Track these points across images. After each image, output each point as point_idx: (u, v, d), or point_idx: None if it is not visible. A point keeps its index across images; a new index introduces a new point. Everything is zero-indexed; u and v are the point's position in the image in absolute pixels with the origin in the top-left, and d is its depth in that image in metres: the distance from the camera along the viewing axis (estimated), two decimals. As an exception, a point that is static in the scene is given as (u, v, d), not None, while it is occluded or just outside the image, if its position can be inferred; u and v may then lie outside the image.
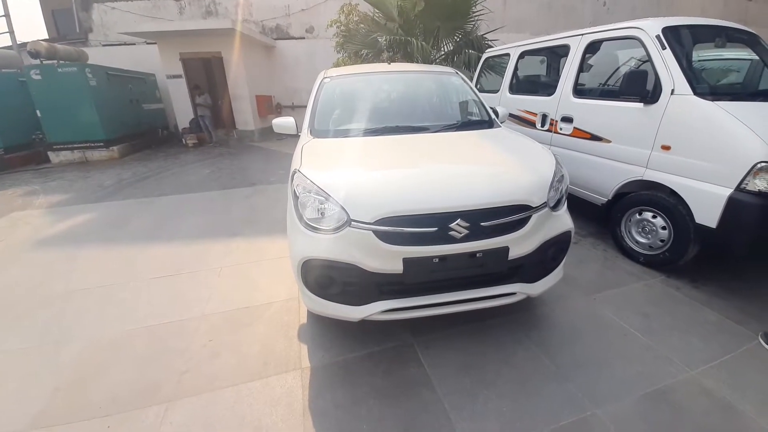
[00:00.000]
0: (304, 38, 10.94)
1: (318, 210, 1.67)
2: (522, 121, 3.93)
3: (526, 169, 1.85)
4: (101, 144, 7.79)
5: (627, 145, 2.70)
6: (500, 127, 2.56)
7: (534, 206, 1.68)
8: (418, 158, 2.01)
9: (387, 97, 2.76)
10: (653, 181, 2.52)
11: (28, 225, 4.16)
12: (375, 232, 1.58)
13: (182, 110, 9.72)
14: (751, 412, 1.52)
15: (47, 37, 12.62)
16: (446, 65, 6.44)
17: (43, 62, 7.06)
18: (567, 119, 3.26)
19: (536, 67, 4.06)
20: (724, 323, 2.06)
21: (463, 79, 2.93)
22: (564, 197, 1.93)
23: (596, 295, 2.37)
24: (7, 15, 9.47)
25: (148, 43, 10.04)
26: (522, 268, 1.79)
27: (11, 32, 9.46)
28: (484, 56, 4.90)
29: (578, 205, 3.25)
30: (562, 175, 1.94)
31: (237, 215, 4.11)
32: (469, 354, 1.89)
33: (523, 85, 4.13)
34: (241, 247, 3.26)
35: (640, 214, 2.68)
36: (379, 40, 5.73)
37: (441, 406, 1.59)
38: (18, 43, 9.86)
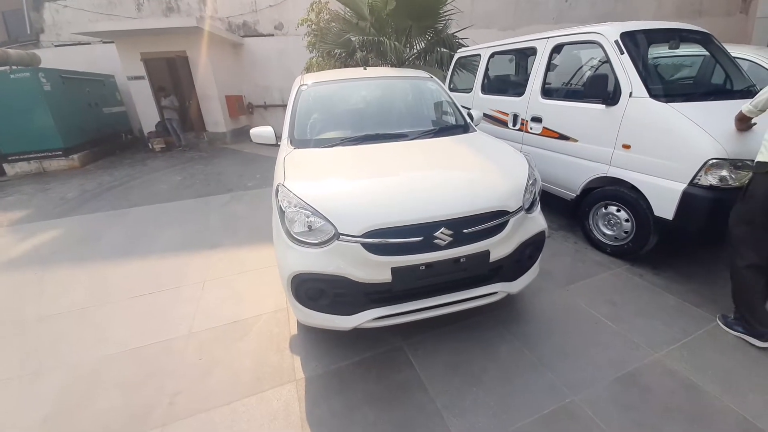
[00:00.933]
0: (273, 35, 10.65)
1: (305, 224, 1.70)
2: (495, 120, 4.07)
3: (502, 174, 1.95)
4: (59, 152, 7.32)
5: (592, 144, 2.88)
6: (475, 131, 2.66)
7: (511, 211, 1.79)
8: (399, 167, 2.07)
9: (365, 104, 2.79)
10: (616, 178, 2.71)
11: (-13, 246, 3.89)
12: (363, 245, 1.63)
13: (147, 113, 9.26)
14: (714, 390, 1.70)
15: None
16: (419, 64, 6.52)
17: (-9, 67, 6.50)
18: (536, 119, 3.42)
19: (506, 67, 4.21)
20: (683, 307, 2.27)
21: (438, 84, 3.01)
22: (537, 199, 2.05)
23: (569, 287, 2.53)
24: None
25: (104, 42, 9.46)
26: (502, 268, 1.90)
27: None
28: (456, 56, 5.00)
29: (550, 201, 3.43)
30: (535, 179, 2.06)
31: (215, 225, 4.02)
32: (457, 353, 1.99)
33: (494, 85, 4.27)
34: (222, 259, 3.21)
35: (605, 208, 2.88)
36: (352, 39, 5.70)
37: (434, 407, 1.68)
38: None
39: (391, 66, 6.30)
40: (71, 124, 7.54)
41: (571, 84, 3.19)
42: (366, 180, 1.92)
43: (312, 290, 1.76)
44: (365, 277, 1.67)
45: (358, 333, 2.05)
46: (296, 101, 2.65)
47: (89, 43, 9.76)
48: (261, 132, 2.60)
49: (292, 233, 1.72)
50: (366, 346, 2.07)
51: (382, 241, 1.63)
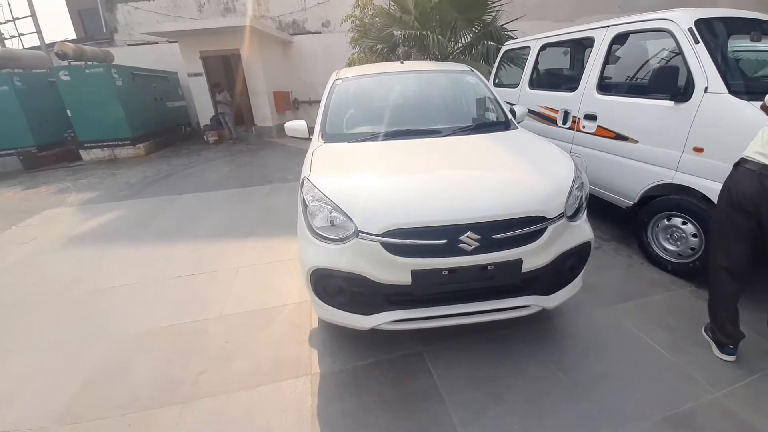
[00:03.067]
0: (320, 32, 10.91)
1: (327, 219, 1.67)
2: (542, 117, 3.78)
3: (542, 176, 1.77)
4: (128, 142, 8.11)
5: (655, 146, 2.54)
6: (517, 128, 2.46)
7: (550, 217, 1.61)
8: (429, 165, 1.97)
9: (399, 99, 2.70)
10: (684, 185, 2.37)
11: (61, 222, 4.40)
12: (383, 244, 1.56)
13: (203, 107, 9.95)
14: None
15: (75, 36, 13.19)
16: (464, 59, 6.27)
17: (71, 63, 7.37)
18: (590, 117, 3.10)
19: (558, 60, 3.88)
20: (754, 339, 1.93)
21: (478, 77, 2.83)
22: (583, 206, 1.84)
23: (618, 306, 2.26)
24: (33, 15, 9.90)
25: (170, 42, 10.29)
26: (537, 280, 1.73)
27: (39, 32, 9.89)
28: (504, 49, 4.72)
29: (601, 208, 3.12)
30: (582, 183, 1.85)
31: (253, 214, 4.20)
32: (481, 366, 1.85)
33: (544, 80, 3.95)
34: (256, 247, 3.33)
35: (669, 219, 2.53)
36: (395, 34, 5.62)
37: (449, 420, 1.57)
38: (46, 43, 10.30)
39: (434, 60, 6.14)
40: (139, 116, 8.31)
41: (634, 78, 2.84)
42: (391, 177, 1.84)
43: (330, 287, 1.73)
44: (384, 278, 1.60)
45: (377, 334, 1.98)
46: (330, 95, 2.63)
47: (157, 43, 10.68)
48: (295, 126, 2.63)
49: (313, 227, 1.70)
50: (385, 348, 2.01)
51: (402, 241, 1.55)
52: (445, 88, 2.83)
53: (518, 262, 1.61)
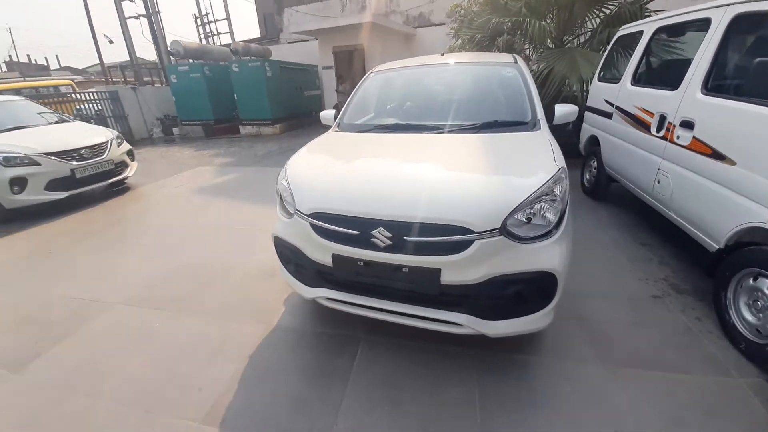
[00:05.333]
0: (444, 24, 10.84)
1: (284, 196, 1.90)
2: (636, 122, 2.98)
3: (492, 186, 1.55)
4: (269, 122, 10.13)
5: (755, 171, 1.75)
6: (539, 129, 2.10)
7: (477, 231, 1.42)
8: (398, 159, 1.95)
9: (421, 92, 2.63)
10: (784, 234, 1.59)
11: (202, 176, 6.01)
12: (311, 225, 1.70)
13: (330, 96, 11.42)
14: None
15: (258, 36, 16.86)
16: (581, 47, 5.31)
17: (241, 58, 9.60)
18: (687, 124, 2.31)
19: (674, 49, 2.93)
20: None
21: (519, 70, 2.48)
22: (553, 231, 1.51)
23: (625, 370, 1.75)
24: (228, 19, 13.19)
25: (315, 39, 12.11)
26: (469, 298, 1.56)
27: (231, 32, 13.14)
28: (618, 34, 3.82)
29: (695, 247, 2.32)
30: (556, 198, 1.51)
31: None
32: (403, 371, 1.79)
33: (649, 74, 3.07)
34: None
35: (755, 279, 1.74)
36: (493, 21, 5.20)
37: (335, 403, 1.63)
38: (235, 41, 13.60)
39: (541, 50, 5.42)
40: (279, 101, 10.22)
41: (758, 77, 1.96)
42: (349, 166, 1.92)
43: (283, 255, 1.98)
44: (313, 256, 1.74)
45: (338, 310, 2.12)
46: (359, 87, 2.79)
47: (307, 40, 12.70)
48: (326, 114, 2.91)
49: (280, 203, 1.97)
50: (338, 324, 2.14)
51: (324, 225, 1.65)
52: (474, 82, 2.59)
53: (436, 272, 1.49)
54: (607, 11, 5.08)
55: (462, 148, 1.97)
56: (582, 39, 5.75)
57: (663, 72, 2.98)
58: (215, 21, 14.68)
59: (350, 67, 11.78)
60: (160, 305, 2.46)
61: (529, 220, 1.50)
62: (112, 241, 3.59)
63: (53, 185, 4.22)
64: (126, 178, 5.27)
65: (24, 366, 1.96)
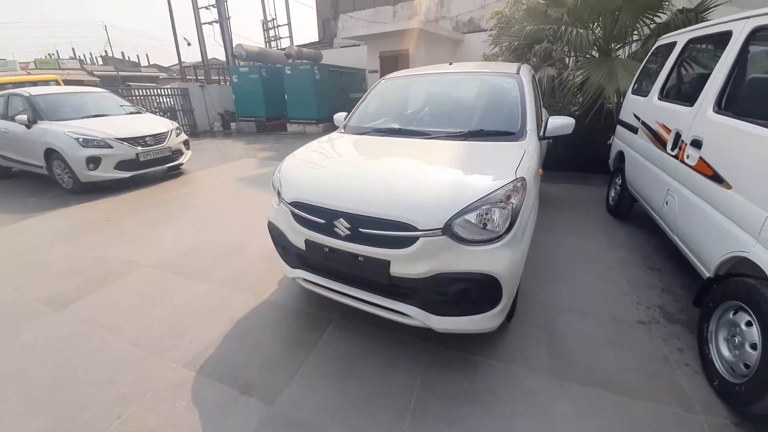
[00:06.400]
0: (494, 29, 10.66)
1: (275, 187, 2.17)
2: (656, 138, 2.82)
3: (441, 189, 1.66)
4: (314, 121, 10.76)
5: (747, 197, 1.64)
6: (524, 140, 2.13)
7: (421, 229, 1.55)
8: (378, 161, 2.12)
9: (420, 100, 2.76)
10: (759, 266, 1.48)
11: (246, 167, 6.65)
12: (291, 212, 1.94)
13: (373, 99, 11.79)
14: None
15: (317, 40, 17.86)
16: (630, 57, 5.00)
17: (294, 61, 10.34)
18: (696, 143, 2.17)
19: (702, 62, 2.71)
20: None
21: (519, 81, 2.50)
22: (502, 237, 1.58)
23: (574, 385, 1.73)
24: (288, 24, 14.20)
25: (365, 44, 12.59)
26: (418, 292, 1.68)
27: (290, 37, 14.12)
28: (657, 43, 3.58)
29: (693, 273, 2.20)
30: (501, 209, 1.58)
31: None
32: (361, 352, 1.96)
33: (676, 89, 2.87)
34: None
35: (735, 313, 1.63)
36: (528, 29, 5.09)
37: (296, 369, 1.85)
38: (294, 45, 14.59)
39: (581, 59, 5.19)
40: (324, 103, 10.81)
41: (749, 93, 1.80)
42: (330, 164, 2.14)
43: (274, 237, 2.24)
44: (293, 240, 1.98)
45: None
46: (370, 92, 3.00)
47: (358, 45, 13.24)
48: (338, 117, 3.15)
49: (274, 193, 2.24)
50: (317, 305, 2.37)
51: (299, 212, 1.87)
52: (472, 91, 2.65)
53: (386, 263, 1.64)
54: (659, 20, 4.72)
55: (437, 154, 2.08)
56: (634, 48, 5.39)
57: (686, 87, 2.78)
58: (277, 26, 15.99)
59: (395, 71, 12.07)
60: (180, 272, 2.88)
61: (484, 225, 1.59)
62: (157, 215, 4.20)
63: (121, 166, 5.01)
64: (181, 164, 6.03)
65: (65, 306, 2.45)
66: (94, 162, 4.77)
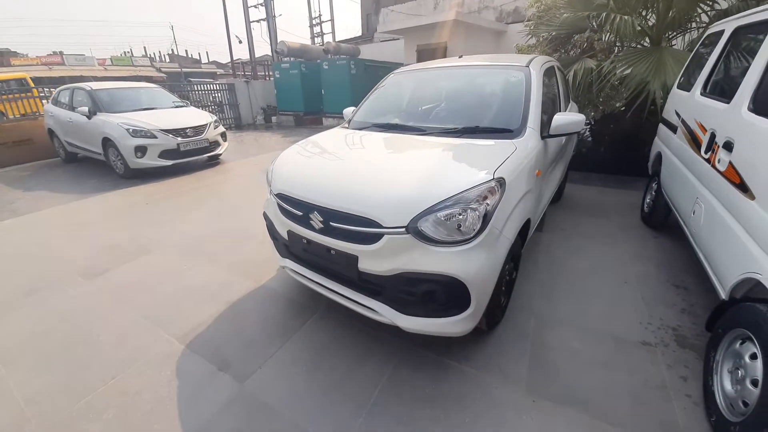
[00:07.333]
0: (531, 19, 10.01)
1: (268, 179, 2.27)
2: (692, 138, 2.51)
3: (409, 187, 1.62)
4: (348, 115, 10.93)
5: (766, 207, 1.40)
6: (520, 138, 2.01)
7: (385, 226, 1.53)
8: (367, 155, 2.12)
9: (422, 95, 2.69)
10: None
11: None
12: (276, 203, 2.02)
13: (409, 93, 11.68)
14: None
15: (361, 34, 18.03)
16: (686, 48, 4.45)
17: (332, 56, 10.55)
18: (728, 146, 1.89)
19: (748, 54, 2.32)
20: None
21: (526, 75, 2.33)
22: (471, 239, 1.52)
23: (546, 403, 1.62)
24: (331, 20, 14.45)
25: (402, 38, 12.47)
26: (385, 289, 1.67)
27: (333, 33, 14.40)
28: (706, 32, 3.14)
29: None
30: (472, 210, 1.51)
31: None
32: (336, 343, 2.01)
33: (718, 83, 2.50)
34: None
35: (742, 343, 1.42)
36: (565, 16, 4.70)
37: (272, 352, 1.94)
38: (337, 41, 14.85)
39: (628, 48, 4.71)
40: (359, 97, 10.80)
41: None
42: (316, 158, 2.19)
43: (268, 228, 2.35)
44: (279, 230, 2.06)
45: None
46: (378, 86, 2.99)
47: (397, 39, 13.16)
48: (346, 111, 3.19)
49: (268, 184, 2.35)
50: (307, 295, 2.45)
51: (282, 204, 1.95)
52: (476, 86, 2.52)
53: (354, 258, 1.66)
54: (719, 6, 4.11)
55: (422, 151, 2.03)
56: (693, 37, 4.77)
57: (728, 81, 2.41)
58: (321, 23, 16.37)
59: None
60: (195, 254, 3.12)
61: (456, 226, 1.53)
62: (189, 201, 4.57)
63: (164, 154, 5.51)
64: (218, 155, 6.47)
65: (94, 277, 2.78)
66: (141, 150, 5.30)
